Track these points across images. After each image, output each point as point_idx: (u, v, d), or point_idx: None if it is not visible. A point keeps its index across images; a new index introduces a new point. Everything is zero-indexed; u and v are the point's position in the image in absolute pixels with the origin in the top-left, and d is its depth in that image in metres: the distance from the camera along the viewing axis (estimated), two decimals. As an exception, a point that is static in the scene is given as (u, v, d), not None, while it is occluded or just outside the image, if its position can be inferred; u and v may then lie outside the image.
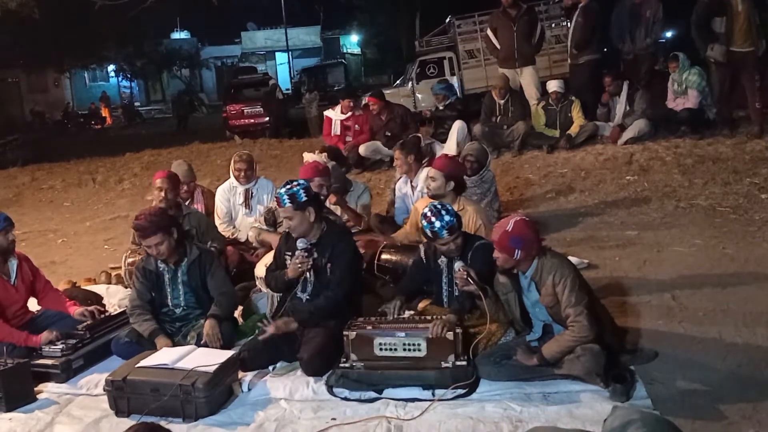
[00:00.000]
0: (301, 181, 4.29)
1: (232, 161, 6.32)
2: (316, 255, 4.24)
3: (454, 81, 14.64)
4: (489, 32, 10.42)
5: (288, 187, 4.20)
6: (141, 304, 4.49)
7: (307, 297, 4.28)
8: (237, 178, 6.22)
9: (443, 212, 4.06)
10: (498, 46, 10.22)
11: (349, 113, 9.65)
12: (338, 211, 6.07)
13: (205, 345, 4.22)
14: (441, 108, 10.11)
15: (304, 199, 4.14)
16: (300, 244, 4.21)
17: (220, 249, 5.40)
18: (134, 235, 5.59)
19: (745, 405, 3.35)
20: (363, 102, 10.30)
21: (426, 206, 4.20)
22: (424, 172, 6.04)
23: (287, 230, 4.35)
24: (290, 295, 4.35)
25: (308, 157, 6.95)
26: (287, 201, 4.14)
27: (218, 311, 4.39)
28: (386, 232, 5.76)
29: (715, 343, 4.01)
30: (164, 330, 4.40)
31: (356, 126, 9.65)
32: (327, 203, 6.10)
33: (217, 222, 6.22)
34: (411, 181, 6.12)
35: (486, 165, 6.23)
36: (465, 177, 6.09)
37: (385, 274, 5.10)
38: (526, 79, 10.04)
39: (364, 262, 4.87)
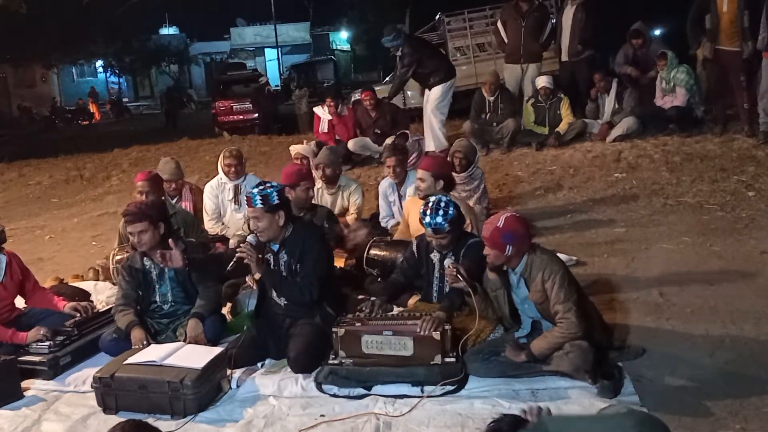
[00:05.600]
0: (275, 184, 4.23)
1: (221, 157, 6.30)
2: (271, 258, 4.24)
3: None
4: (499, 24, 10.35)
5: (261, 187, 4.13)
6: (125, 302, 4.48)
7: (285, 302, 4.27)
8: (226, 173, 6.20)
9: (446, 207, 4.12)
10: (506, 40, 10.20)
11: (334, 114, 9.60)
12: (338, 198, 6.09)
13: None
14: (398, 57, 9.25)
15: (277, 202, 4.09)
16: (250, 238, 4.21)
17: (202, 242, 5.37)
18: (120, 235, 5.58)
19: (731, 401, 3.37)
20: (354, 97, 10.21)
21: (426, 201, 4.23)
22: (412, 177, 6.03)
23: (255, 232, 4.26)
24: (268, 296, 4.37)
25: (296, 148, 6.94)
26: (259, 202, 4.07)
27: (201, 309, 4.38)
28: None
29: (703, 340, 4.03)
30: (143, 324, 4.37)
31: (342, 125, 9.61)
32: (321, 191, 6.13)
33: (206, 219, 6.20)
34: (399, 189, 6.07)
35: (474, 162, 6.24)
36: (454, 173, 6.10)
37: (374, 269, 5.10)
38: (529, 76, 10.01)
39: (335, 257, 4.84)
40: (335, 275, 4.68)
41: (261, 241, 4.22)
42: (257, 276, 4.32)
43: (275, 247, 4.24)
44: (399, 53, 9.08)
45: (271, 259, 4.27)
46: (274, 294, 4.30)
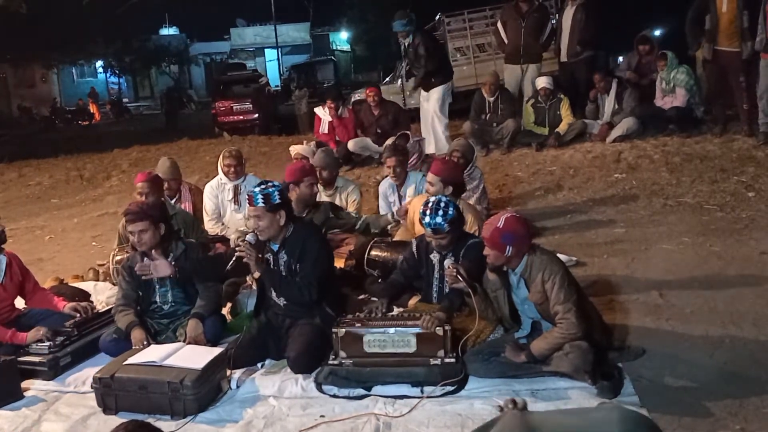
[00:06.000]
0: (277, 183, 4.24)
1: (221, 157, 6.31)
2: (270, 258, 4.24)
3: None
4: (499, 25, 10.36)
5: (263, 186, 4.13)
6: (125, 303, 4.48)
7: (285, 302, 4.27)
8: (226, 174, 6.21)
9: (446, 207, 4.13)
10: (506, 41, 10.20)
11: (335, 116, 9.58)
12: (336, 199, 6.09)
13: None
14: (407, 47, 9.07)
15: (278, 201, 4.09)
16: (249, 237, 4.20)
17: (202, 243, 5.38)
18: (120, 235, 5.59)
19: (731, 401, 3.37)
20: (354, 98, 10.19)
21: (425, 201, 4.24)
22: (412, 178, 6.04)
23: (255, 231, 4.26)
24: (267, 295, 4.38)
25: (296, 149, 6.93)
26: (260, 201, 4.07)
27: (201, 309, 4.38)
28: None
29: (702, 341, 4.03)
30: (143, 324, 4.38)
31: (342, 127, 9.61)
32: (319, 192, 6.13)
33: (206, 219, 6.21)
34: (399, 190, 6.08)
35: (472, 161, 6.22)
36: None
37: (375, 270, 5.10)
38: (529, 76, 10.02)
39: (334, 258, 4.82)
40: (335, 275, 4.68)
41: (261, 240, 4.22)
42: (256, 275, 4.32)
43: (275, 247, 4.24)
44: (407, 41, 9.04)
45: (271, 259, 4.27)
46: (274, 294, 4.31)
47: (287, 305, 4.26)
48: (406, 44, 9.15)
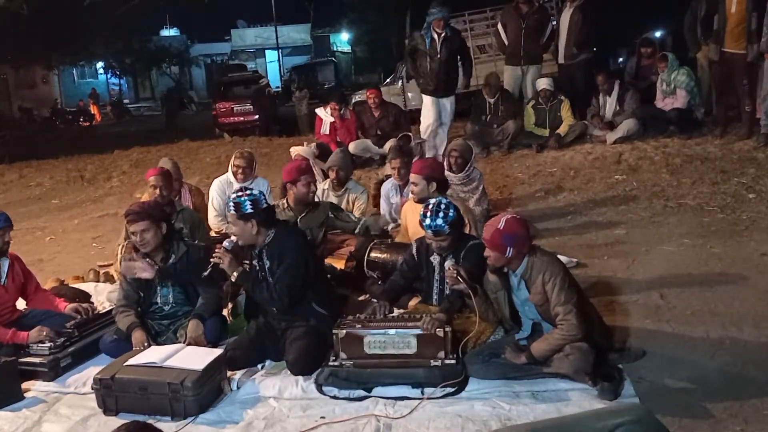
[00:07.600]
0: (256, 193, 4.20)
1: (233, 157, 6.36)
2: (256, 263, 4.25)
3: None
4: (499, 26, 10.34)
5: (239, 194, 4.16)
6: (126, 303, 4.49)
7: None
8: (234, 174, 6.25)
9: (446, 209, 4.13)
10: (506, 42, 10.20)
11: (337, 117, 9.57)
12: (343, 201, 6.11)
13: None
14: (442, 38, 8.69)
15: (249, 211, 4.09)
16: (225, 243, 4.23)
17: (207, 246, 5.39)
18: (127, 230, 5.59)
19: (731, 403, 3.37)
20: (355, 99, 10.14)
21: (426, 204, 4.24)
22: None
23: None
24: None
25: (297, 150, 6.93)
26: (232, 208, 4.12)
27: (202, 310, 4.39)
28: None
29: (703, 342, 4.04)
30: (143, 325, 4.38)
31: (344, 128, 9.61)
32: (327, 192, 6.15)
33: (212, 214, 6.24)
34: (402, 191, 6.08)
35: (471, 161, 6.22)
36: (451, 174, 6.10)
37: (374, 271, 5.10)
38: (530, 78, 10.02)
39: (317, 260, 4.80)
40: (325, 277, 4.67)
41: (240, 245, 4.24)
42: (233, 278, 4.30)
43: (258, 252, 4.25)
44: (444, 33, 8.88)
45: (257, 264, 4.27)
46: None
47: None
48: (441, 36, 8.91)
